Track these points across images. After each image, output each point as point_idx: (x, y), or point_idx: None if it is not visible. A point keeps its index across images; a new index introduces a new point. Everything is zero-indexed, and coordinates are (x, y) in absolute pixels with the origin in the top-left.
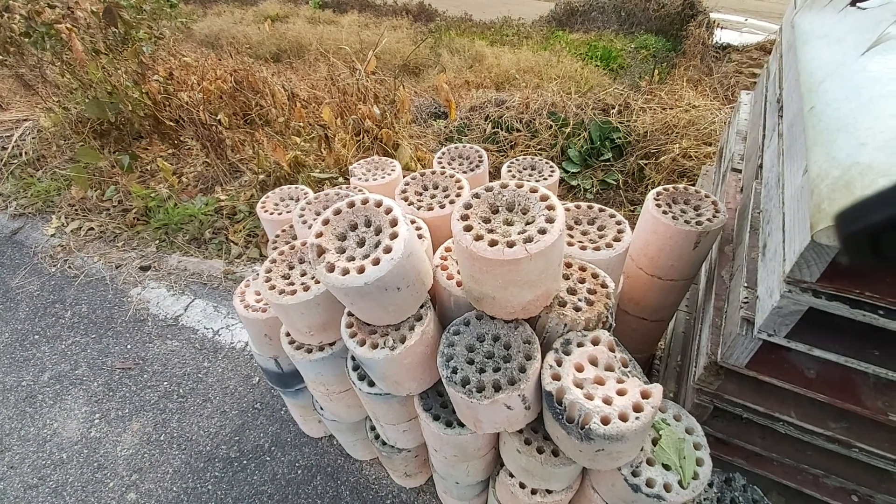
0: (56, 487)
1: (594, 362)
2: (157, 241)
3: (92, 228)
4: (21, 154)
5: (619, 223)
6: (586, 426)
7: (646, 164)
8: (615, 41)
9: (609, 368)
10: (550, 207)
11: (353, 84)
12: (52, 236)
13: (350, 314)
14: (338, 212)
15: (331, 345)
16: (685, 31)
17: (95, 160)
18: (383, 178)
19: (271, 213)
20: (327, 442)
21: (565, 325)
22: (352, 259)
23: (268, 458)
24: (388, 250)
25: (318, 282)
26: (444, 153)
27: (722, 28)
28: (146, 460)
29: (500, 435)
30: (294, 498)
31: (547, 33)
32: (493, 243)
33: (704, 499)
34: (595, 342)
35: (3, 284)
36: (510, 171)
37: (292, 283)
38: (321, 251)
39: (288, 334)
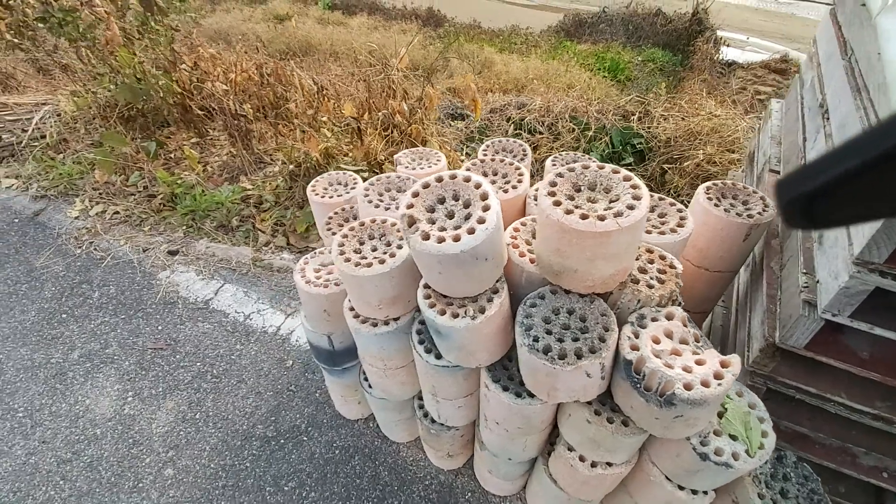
0: (91, 462)
1: (669, 336)
2: (185, 227)
3: (117, 212)
4: (43, 137)
5: (679, 210)
6: (667, 393)
7: (668, 169)
8: (622, 53)
9: (683, 342)
10: (635, 186)
11: (383, 80)
12: (76, 219)
13: (426, 286)
14: (426, 185)
15: (395, 319)
16: (692, 46)
17: (122, 145)
18: (429, 167)
19: (322, 197)
20: (363, 424)
21: (639, 300)
22: (443, 229)
23: (305, 438)
24: (481, 221)
25: (392, 255)
26: (488, 146)
27: (727, 45)
28: (182, 437)
29: (564, 408)
30: (333, 477)
31: (555, 43)
32: (584, 216)
33: (759, 473)
34: (669, 317)
35: (28, 264)
36: (555, 164)
37: (365, 258)
38: (412, 221)
39: (352, 309)
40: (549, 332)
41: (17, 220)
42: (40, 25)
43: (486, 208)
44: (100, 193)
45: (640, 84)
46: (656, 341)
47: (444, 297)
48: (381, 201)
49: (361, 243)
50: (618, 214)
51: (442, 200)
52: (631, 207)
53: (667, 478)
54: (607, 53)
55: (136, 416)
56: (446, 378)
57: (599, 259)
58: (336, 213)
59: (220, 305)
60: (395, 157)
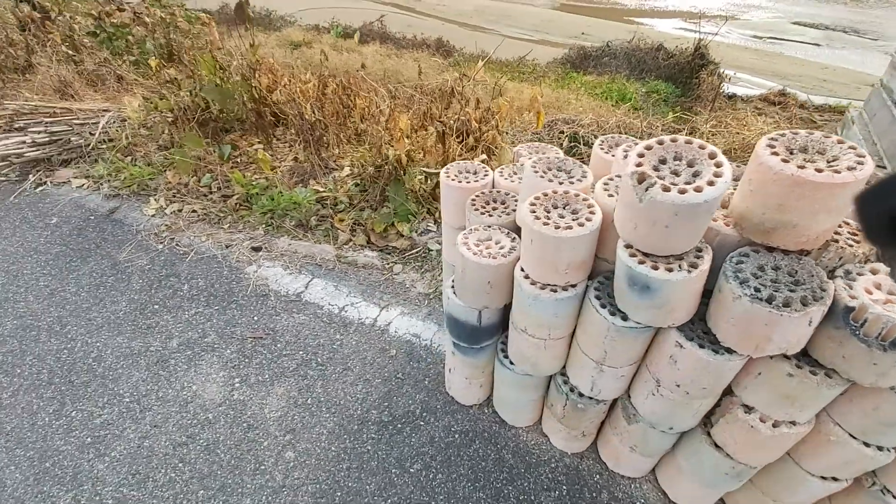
0: (207, 445)
1: (878, 287)
2: (264, 225)
3: (194, 211)
4: (110, 140)
5: None
6: (891, 337)
7: None
8: (627, 84)
9: (892, 293)
10: (853, 148)
11: (455, 87)
12: (153, 216)
13: (628, 246)
14: (649, 147)
15: (573, 286)
16: (697, 78)
17: (199, 146)
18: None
19: (459, 182)
20: (478, 410)
21: (840, 258)
22: (674, 184)
23: (421, 423)
24: (718, 175)
25: (589, 220)
26: (603, 140)
27: (730, 80)
28: (297, 422)
29: (751, 367)
30: (457, 459)
31: (562, 73)
32: (818, 170)
33: None
34: (874, 272)
35: (110, 258)
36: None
37: (557, 224)
38: (643, 178)
39: (527, 277)
40: (762, 285)
41: (92, 218)
42: (86, 41)
43: (718, 164)
44: (174, 193)
45: (646, 112)
46: (869, 292)
47: (647, 255)
48: (550, 178)
49: (547, 211)
50: (851, 168)
51: (664, 161)
52: (860, 164)
53: (851, 435)
54: (613, 84)
55: (246, 401)
56: (627, 341)
57: (823, 212)
58: (478, 195)
59: (312, 298)
60: (515, 149)
